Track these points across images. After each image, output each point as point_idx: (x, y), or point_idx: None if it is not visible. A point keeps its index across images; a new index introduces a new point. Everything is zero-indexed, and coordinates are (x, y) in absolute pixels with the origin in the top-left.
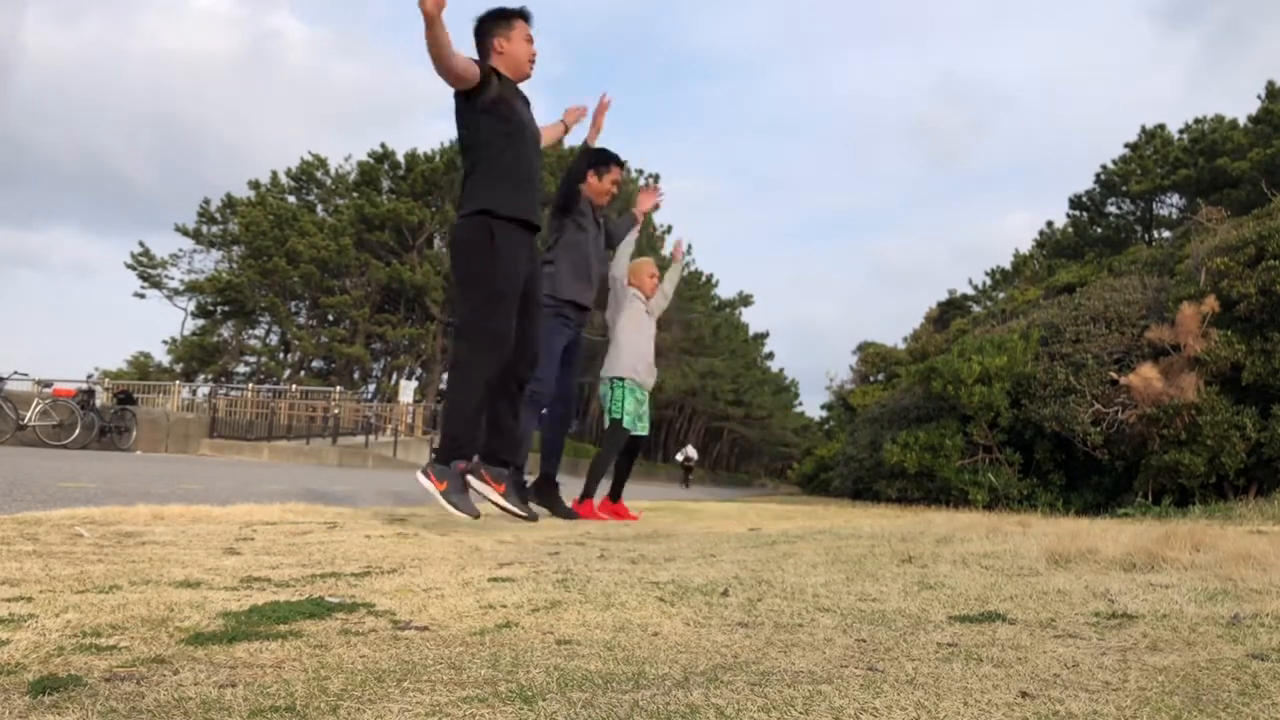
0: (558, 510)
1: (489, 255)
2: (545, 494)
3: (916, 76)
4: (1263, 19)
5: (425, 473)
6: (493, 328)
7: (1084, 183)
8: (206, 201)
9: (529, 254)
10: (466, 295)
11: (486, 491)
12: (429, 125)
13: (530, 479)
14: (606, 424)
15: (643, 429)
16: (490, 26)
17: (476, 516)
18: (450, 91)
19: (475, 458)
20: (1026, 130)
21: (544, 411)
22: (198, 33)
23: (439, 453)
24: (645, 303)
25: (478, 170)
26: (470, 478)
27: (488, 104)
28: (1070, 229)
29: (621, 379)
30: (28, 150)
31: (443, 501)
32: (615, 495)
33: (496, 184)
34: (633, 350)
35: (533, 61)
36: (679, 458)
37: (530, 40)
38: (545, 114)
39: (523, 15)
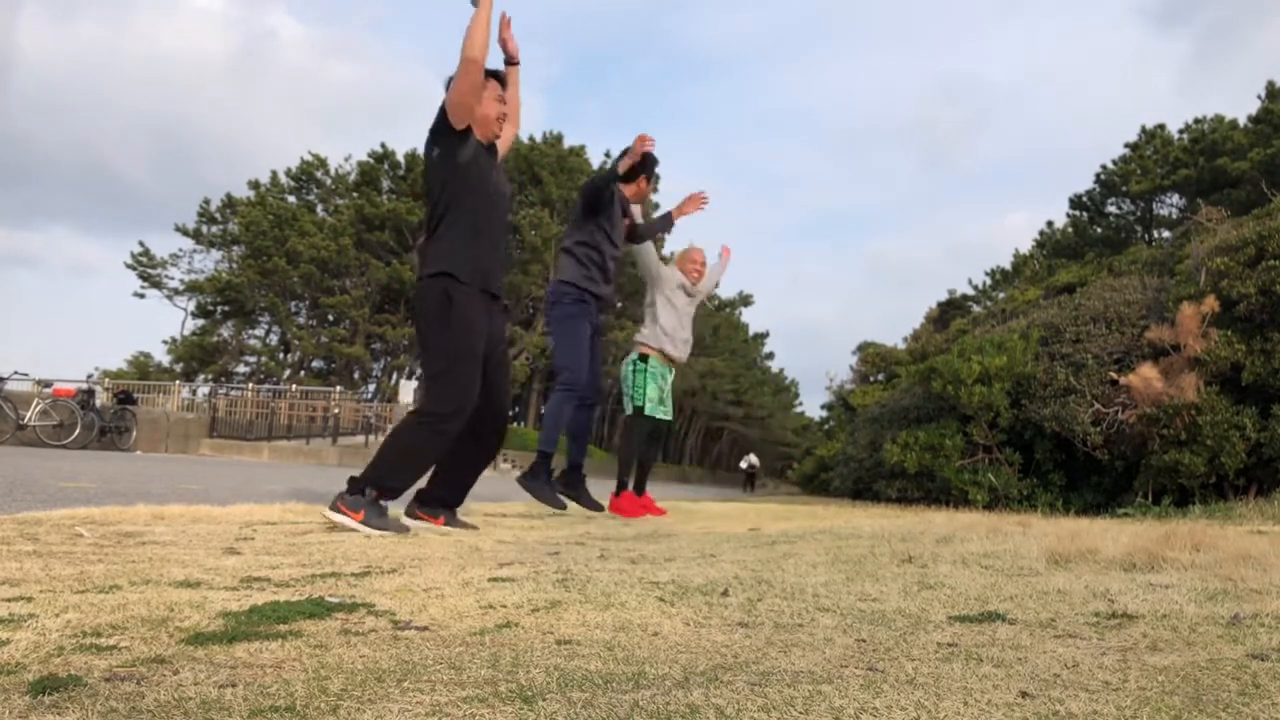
0: (584, 501)
1: (448, 321)
2: (572, 483)
3: (911, 76)
4: (1250, 22)
5: (336, 508)
6: (456, 390)
7: (1077, 181)
8: (206, 201)
9: (488, 318)
10: (429, 357)
11: (426, 526)
12: (427, 125)
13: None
14: (628, 410)
15: (665, 414)
16: None
17: (407, 531)
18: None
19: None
20: (1020, 130)
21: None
22: (193, 32)
23: (355, 483)
24: (686, 283)
25: (442, 229)
26: (405, 519)
27: (464, 161)
28: (1070, 229)
29: (644, 361)
30: (23, 149)
31: (366, 530)
32: (640, 488)
33: (461, 247)
34: (667, 321)
35: (500, 121)
36: (743, 465)
37: (500, 100)
38: (545, 118)
39: (494, 75)
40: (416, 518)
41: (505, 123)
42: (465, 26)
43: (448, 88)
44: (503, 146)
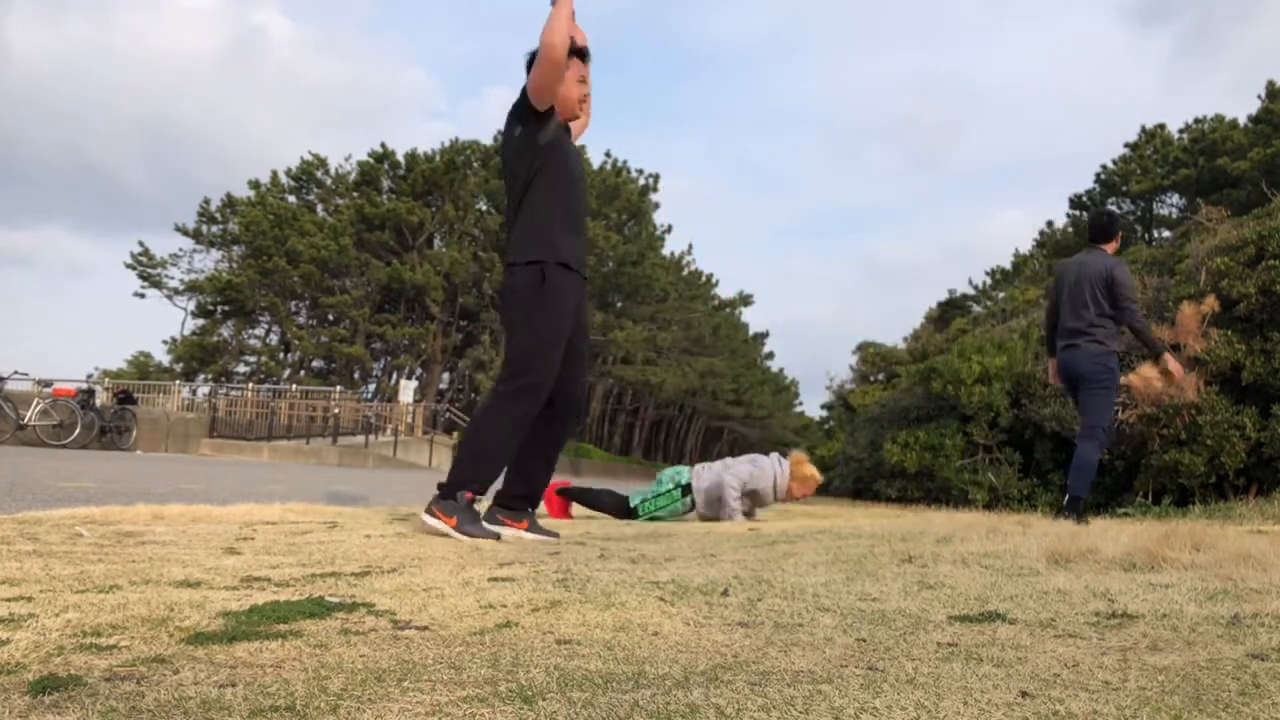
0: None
1: (540, 303)
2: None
3: (901, 75)
4: (1232, 17)
5: (431, 513)
6: (536, 373)
7: (1065, 179)
8: (206, 201)
9: (578, 298)
10: (515, 338)
11: (508, 531)
12: (424, 125)
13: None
14: (633, 501)
15: (641, 509)
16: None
17: (498, 538)
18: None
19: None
20: (1011, 129)
21: None
22: (182, 29)
23: (445, 486)
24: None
25: (525, 211)
26: (488, 526)
27: (545, 143)
28: (1070, 229)
29: (683, 493)
30: (14, 149)
31: (459, 536)
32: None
33: (548, 229)
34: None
35: (583, 102)
36: None
37: (583, 81)
38: None
39: (577, 54)
40: (499, 522)
41: (585, 104)
42: (547, 13)
43: (529, 68)
44: (577, 131)
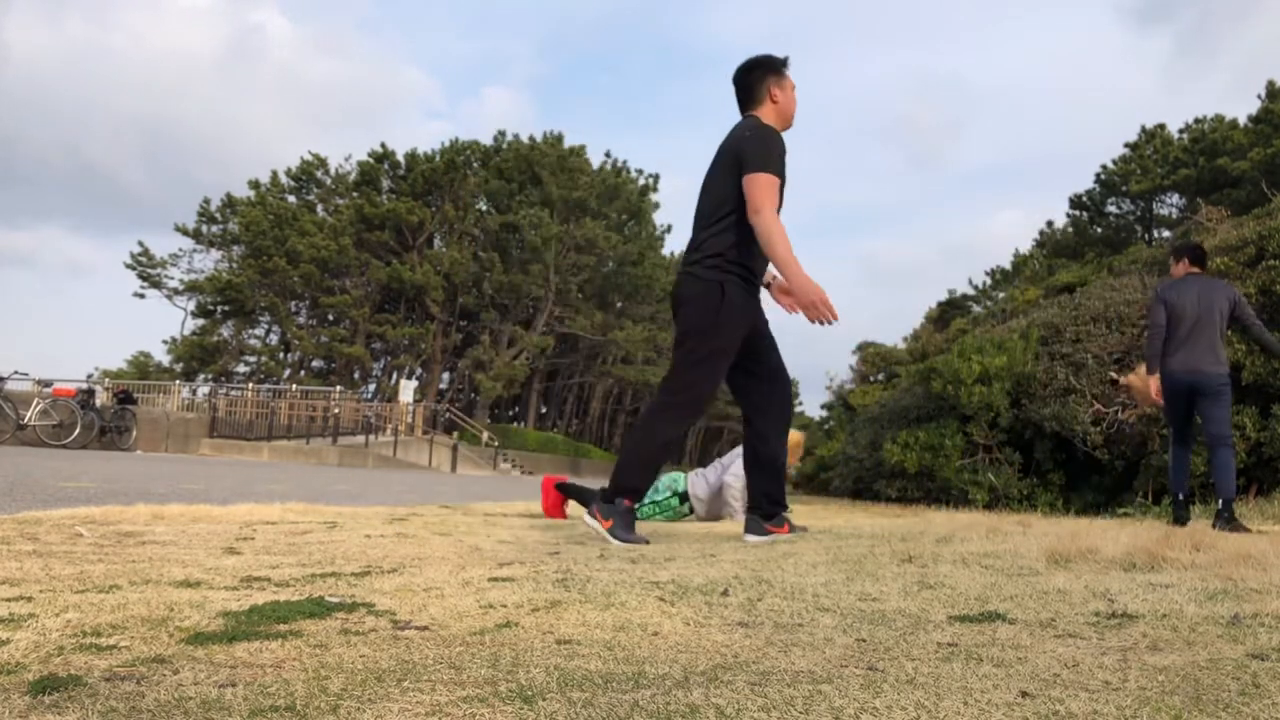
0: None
1: (717, 314)
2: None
3: (903, 75)
4: (1230, 16)
5: (592, 513)
6: (697, 385)
7: (1062, 180)
8: (206, 201)
9: (753, 310)
10: (684, 346)
11: (775, 537)
12: (424, 125)
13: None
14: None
15: (639, 513)
16: (765, 75)
17: (647, 543)
18: None
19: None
20: (1011, 129)
21: None
22: (180, 29)
23: (607, 491)
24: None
25: (733, 220)
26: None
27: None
28: (1070, 229)
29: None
30: (14, 149)
31: (610, 539)
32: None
33: (747, 242)
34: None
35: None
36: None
37: (794, 89)
38: (535, 119)
39: (788, 65)
40: (767, 532)
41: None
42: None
43: (741, 83)
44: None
